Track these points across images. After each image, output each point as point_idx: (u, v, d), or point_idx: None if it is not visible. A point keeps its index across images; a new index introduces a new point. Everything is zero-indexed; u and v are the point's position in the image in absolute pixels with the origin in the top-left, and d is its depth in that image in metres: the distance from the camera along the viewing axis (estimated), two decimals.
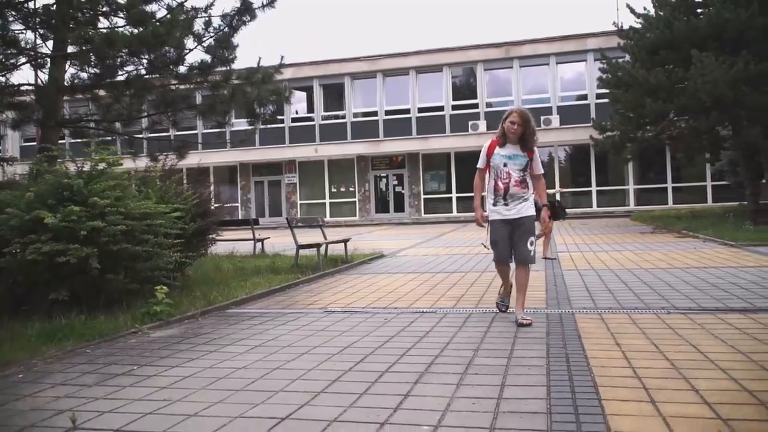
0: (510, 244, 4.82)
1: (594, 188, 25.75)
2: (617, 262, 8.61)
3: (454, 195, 27.00)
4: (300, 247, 9.23)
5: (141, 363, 3.85)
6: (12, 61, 7.72)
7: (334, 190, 29.10)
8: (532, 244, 4.80)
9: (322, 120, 28.99)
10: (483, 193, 5.02)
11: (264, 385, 3.24)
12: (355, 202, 28.58)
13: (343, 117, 28.80)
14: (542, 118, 24.22)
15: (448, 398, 2.89)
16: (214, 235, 7.86)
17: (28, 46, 7.91)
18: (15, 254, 5.01)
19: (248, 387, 3.22)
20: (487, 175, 4.93)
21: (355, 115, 28.72)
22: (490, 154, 4.84)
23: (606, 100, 19.33)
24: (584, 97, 25.81)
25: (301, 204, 29.18)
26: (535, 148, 4.83)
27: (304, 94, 29.06)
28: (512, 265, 4.98)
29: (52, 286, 5.13)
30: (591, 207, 25.40)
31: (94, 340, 4.50)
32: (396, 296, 6.40)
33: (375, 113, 28.26)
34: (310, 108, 29.21)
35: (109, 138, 12.19)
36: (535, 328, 4.47)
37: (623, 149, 17.84)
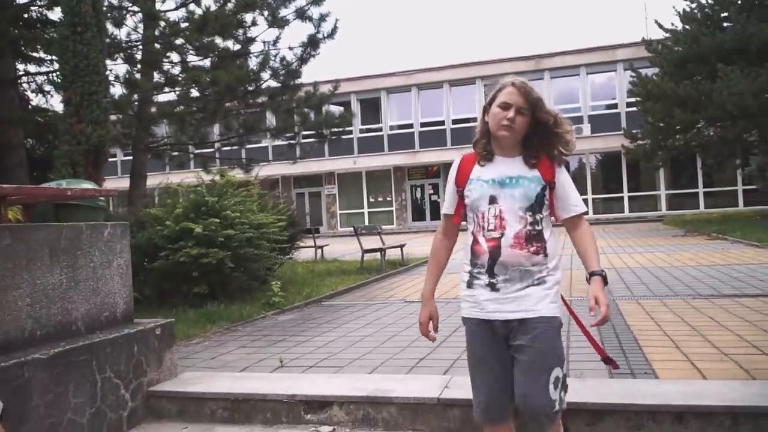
0: (506, 374, 2.17)
1: (626, 194, 26.55)
2: (650, 262, 9.66)
3: None
4: (365, 251, 10.51)
5: (288, 334, 5.15)
6: (131, 98, 9.23)
7: (372, 199, 30.46)
8: (557, 382, 2.12)
9: (360, 133, 30.42)
10: (468, 266, 2.31)
11: (393, 343, 4.50)
12: (392, 210, 29.89)
13: (380, 130, 30.20)
14: (573, 127, 25.07)
15: None
16: (299, 242, 9.20)
17: (140, 86, 9.43)
18: (167, 257, 6.37)
19: (382, 345, 4.48)
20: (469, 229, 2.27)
21: (392, 127, 30.09)
22: (462, 181, 2.27)
23: (636, 108, 20.21)
24: (614, 105, 26.71)
25: (340, 214, 30.59)
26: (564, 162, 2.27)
27: (341, 109, 30.58)
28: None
29: (193, 282, 6.49)
30: (623, 212, 26.22)
31: (238, 322, 5.83)
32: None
33: (410, 125, 29.58)
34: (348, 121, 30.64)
35: (181, 154, 13.63)
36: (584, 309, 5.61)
37: (654, 157, 18.78)
